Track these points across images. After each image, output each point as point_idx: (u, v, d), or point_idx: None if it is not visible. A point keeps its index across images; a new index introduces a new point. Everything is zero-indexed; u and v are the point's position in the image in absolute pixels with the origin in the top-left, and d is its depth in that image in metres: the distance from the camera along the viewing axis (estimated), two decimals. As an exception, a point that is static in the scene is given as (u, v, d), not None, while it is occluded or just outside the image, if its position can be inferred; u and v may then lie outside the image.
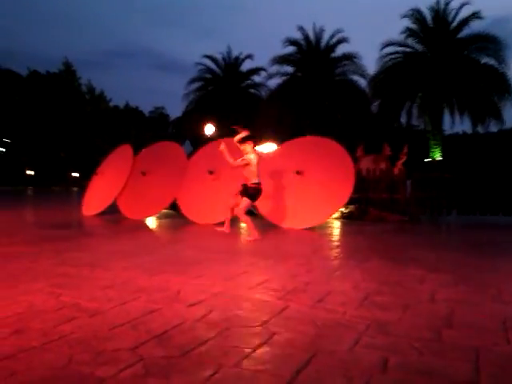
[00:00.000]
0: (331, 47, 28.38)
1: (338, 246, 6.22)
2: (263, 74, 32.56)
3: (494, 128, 26.86)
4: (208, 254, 5.37)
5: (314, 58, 28.03)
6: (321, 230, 8.20)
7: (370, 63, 28.60)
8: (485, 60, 24.71)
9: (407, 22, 25.50)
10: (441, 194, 10.53)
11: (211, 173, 9.17)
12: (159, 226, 9.05)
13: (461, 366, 2.06)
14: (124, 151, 11.28)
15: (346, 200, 8.71)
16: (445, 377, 1.95)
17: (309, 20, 69.56)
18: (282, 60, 28.41)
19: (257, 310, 2.96)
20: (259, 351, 2.22)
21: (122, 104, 57.34)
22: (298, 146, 9.50)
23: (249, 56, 34.73)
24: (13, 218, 10.30)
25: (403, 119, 26.90)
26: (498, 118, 24.52)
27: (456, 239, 7.87)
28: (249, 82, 35.21)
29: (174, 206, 10.51)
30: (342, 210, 10.09)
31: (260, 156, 9.80)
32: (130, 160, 10.77)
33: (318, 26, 28.68)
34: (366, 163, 11.67)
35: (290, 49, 28.76)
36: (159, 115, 60.82)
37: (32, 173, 43.78)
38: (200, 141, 13.12)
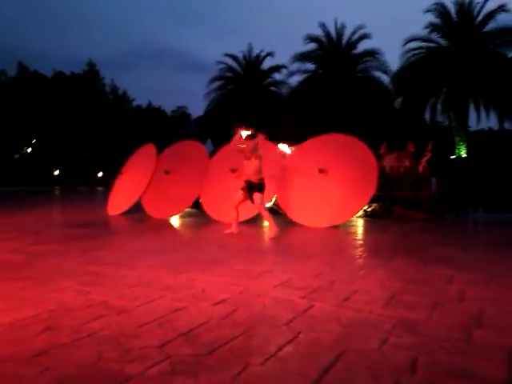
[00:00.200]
0: (353, 44, 28.05)
1: (362, 245, 6.16)
2: (284, 71, 32.40)
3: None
4: (232, 253, 5.41)
5: (336, 55, 27.75)
6: (344, 228, 8.14)
7: (393, 59, 28.07)
8: (512, 54, 24.06)
9: (430, 17, 24.96)
10: (466, 192, 10.32)
11: (233, 171, 9.19)
12: (183, 224, 9.13)
13: (491, 367, 2.02)
14: (147, 150, 11.42)
15: (369, 198, 8.62)
16: (475, 378, 1.92)
17: (330, 17, 68.77)
18: (303, 57, 28.20)
19: (281, 308, 2.96)
20: (285, 350, 2.23)
21: (144, 104, 58.10)
22: (321, 143, 9.43)
23: (270, 54, 34.56)
24: (40, 216, 10.54)
25: (427, 116, 26.40)
26: (526, 113, 23.81)
27: (483, 238, 7.70)
28: (270, 79, 35.05)
29: (197, 205, 10.59)
30: (365, 208, 9.98)
31: (283, 155, 9.78)
32: (153, 159, 10.89)
33: (340, 22, 28.40)
34: (390, 161, 11.50)
35: (311, 46, 28.50)
36: (181, 114, 61.29)
37: (57, 172, 44.68)
38: (221, 139, 13.13)
